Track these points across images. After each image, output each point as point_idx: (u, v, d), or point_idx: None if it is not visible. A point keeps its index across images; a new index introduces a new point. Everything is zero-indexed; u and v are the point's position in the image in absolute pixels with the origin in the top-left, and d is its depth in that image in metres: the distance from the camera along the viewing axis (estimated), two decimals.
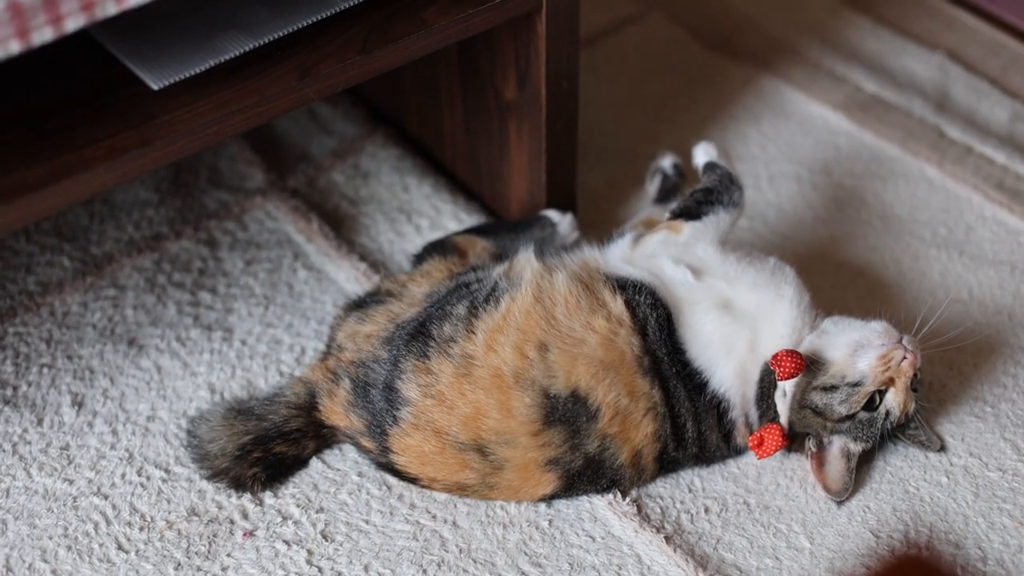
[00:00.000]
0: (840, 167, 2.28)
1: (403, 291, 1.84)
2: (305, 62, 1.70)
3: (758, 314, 1.76)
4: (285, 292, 2.03)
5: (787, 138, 2.34)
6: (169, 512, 1.75)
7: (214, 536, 1.73)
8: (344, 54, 1.72)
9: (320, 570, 1.69)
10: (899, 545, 1.72)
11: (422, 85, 2.18)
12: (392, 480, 1.78)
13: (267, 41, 1.70)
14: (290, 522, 1.74)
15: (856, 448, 1.75)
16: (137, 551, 1.71)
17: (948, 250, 2.12)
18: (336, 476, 1.79)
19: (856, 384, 1.71)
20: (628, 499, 1.76)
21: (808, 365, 1.72)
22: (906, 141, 2.31)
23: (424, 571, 1.69)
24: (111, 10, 1.50)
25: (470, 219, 2.13)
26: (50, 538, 1.72)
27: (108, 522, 1.74)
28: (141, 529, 1.73)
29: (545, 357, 1.69)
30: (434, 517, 1.75)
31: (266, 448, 1.76)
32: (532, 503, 1.76)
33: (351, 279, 2.03)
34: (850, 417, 1.72)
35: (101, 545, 1.72)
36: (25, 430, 1.84)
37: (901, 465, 1.81)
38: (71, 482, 1.78)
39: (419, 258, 1.96)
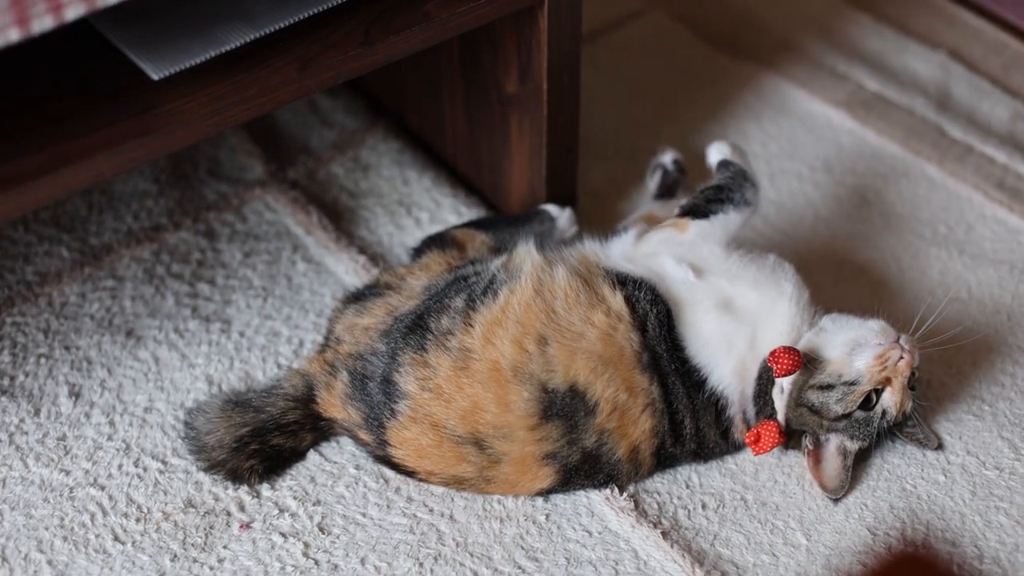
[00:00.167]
0: (841, 165, 2.27)
1: (401, 284, 1.83)
2: (306, 53, 1.70)
3: (758, 312, 1.76)
4: (284, 284, 2.02)
5: (788, 136, 2.33)
6: (166, 503, 1.75)
7: (210, 528, 1.73)
8: (346, 46, 1.72)
9: (316, 563, 1.69)
10: (896, 543, 1.72)
11: (423, 78, 2.18)
12: (389, 473, 1.78)
13: (268, 32, 1.70)
14: (287, 514, 1.74)
15: (853, 446, 1.75)
16: (133, 542, 1.71)
17: (948, 249, 2.12)
18: (333, 469, 1.79)
19: (852, 383, 1.71)
20: (625, 494, 1.75)
21: (805, 363, 1.72)
22: (907, 140, 2.31)
23: (421, 564, 1.69)
24: None
25: (470, 213, 2.13)
26: (46, 529, 1.72)
27: (105, 513, 1.74)
28: (137, 520, 1.73)
29: (544, 351, 1.68)
30: (431, 511, 1.75)
31: (263, 440, 1.76)
32: (529, 497, 1.75)
33: (350, 272, 2.03)
34: (846, 416, 1.72)
35: (97, 536, 1.71)
36: (22, 420, 1.83)
37: (898, 463, 1.81)
38: (68, 473, 1.78)
39: (418, 251, 1.96)
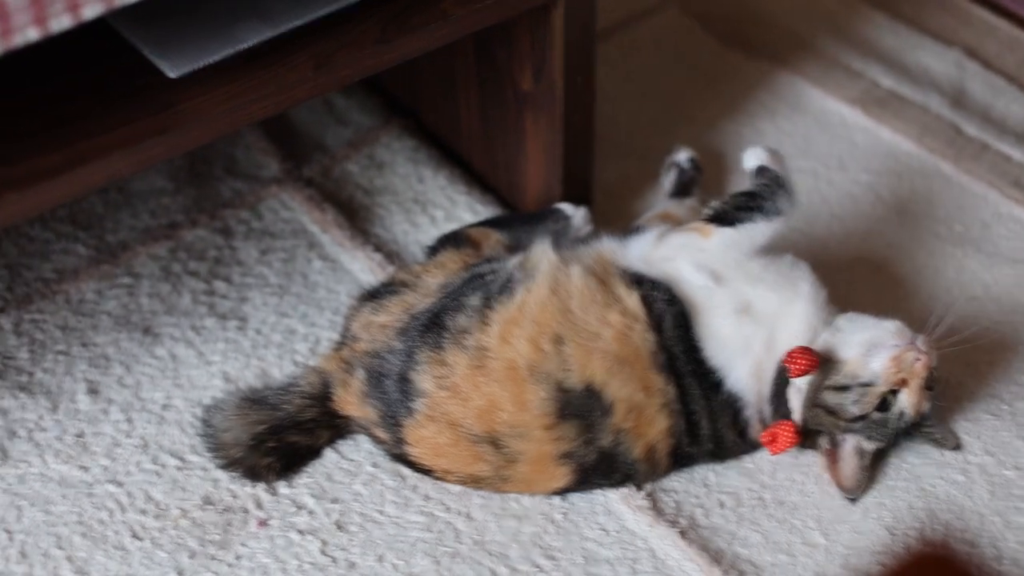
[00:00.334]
0: (856, 163, 2.27)
1: (418, 282, 1.83)
2: (323, 51, 1.70)
3: (776, 313, 1.75)
4: (300, 282, 2.03)
5: (803, 133, 2.33)
6: (183, 500, 1.75)
7: (228, 525, 1.73)
8: (362, 44, 1.72)
9: (334, 560, 1.69)
10: (914, 543, 1.71)
11: (438, 76, 2.18)
12: (406, 471, 1.78)
13: (285, 30, 1.70)
14: (304, 512, 1.74)
15: (870, 447, 1.74)
16: (151, 539, 1.71)
17: (964, 247, 2.12)
18: (350, 466, 1.79)
19: (868, 385, 1.70)
20: (643, 493, 1.75)
21: (822, 363, 1.72)
22: (922, 137, 2.31)
23: (438, 562, 1.69)
24: None
25: (485, 211, 2.13)
26: (65, 525, 1.72)
27: (123, 510, 1.74)
28: (156, 517, 1.74)
29: (560, 350, 1.68)
30: (448, 509, 1.75)
31: (280, 438, 1.76)
32: (546, 496, 1.75)
33: (366, 269, 2.03)
34: (863, 417, 1.71)
35: (116, 532, 1.72)
36: (40, 417, 1.84)
37: (917, 463, 1.80)
38: (86, 469, 1.78)
39: (433, 250, 1.96)
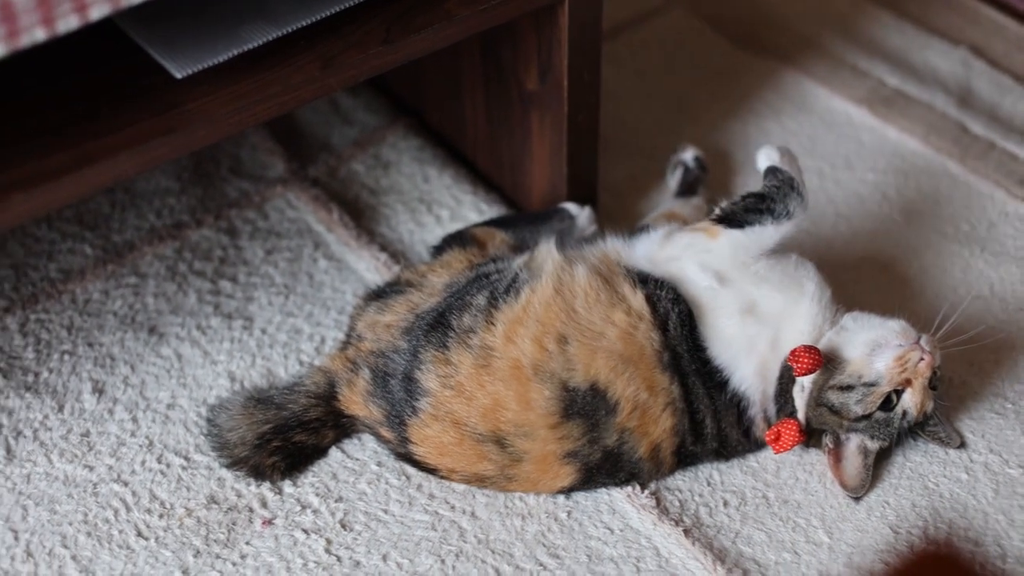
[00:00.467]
0: (862, 162, 2.27)
1: (423, 281, 1.84)
2: (328, 52, 1.70)
3: (781, 312, 1.75)
4: (305, 281, 2.03)
5: (809, 133, 2.33)
6: (188, 500, 1.76)
7: (233, 524, 1.73)
8: (367, 44, 1.72)
9: (338, 559, 1.70)
10: (918, 541, 1.71)
11: (444, 76, 2.18)
12: (411, 470, 1.78)
13: (290, 31, 1.70)
14: (309, 511, 1.75)
15: (873, 446, 1.74)
16: (156, 538, 1.72)
17: (970, 246, 2.12)
18: (355, 466, 1.80)
19: (872, 384, 1.70)
20: (647, 492, 1.76)
21: (826, 362, 1.72)
22: (928, 136, 2.30)
23: (442, 561, 1.69)
24: None
25: (490, 210, 2.13)
26: (70, 524, 1.73)
27: (128, 509, 1.75)
28: (160, 516, 1.74)
29: (564, 350, 1.69)
30: (453, 507, 1.75)
31: (286, 437, 1.76)
32: (551, 495, 1.76)
33: (371, 269, 2.03)
34: (866, 417, 1.71)
35: (121, 532, 1.72)
36: (46, 416, 1.84)
37: (921, 461, 1.80)
38: (91, 469, 1.79)
39: (438, 249, 1.96)
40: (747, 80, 2.44)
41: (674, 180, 2.17)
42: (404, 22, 1.75)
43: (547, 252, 1.79)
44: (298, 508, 1.75)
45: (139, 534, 1.72)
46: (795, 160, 1.86)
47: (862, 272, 2.07)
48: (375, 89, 2.36)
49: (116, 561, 1.69)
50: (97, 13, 1.48)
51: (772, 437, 1.72)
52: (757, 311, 1.75)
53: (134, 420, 1.84)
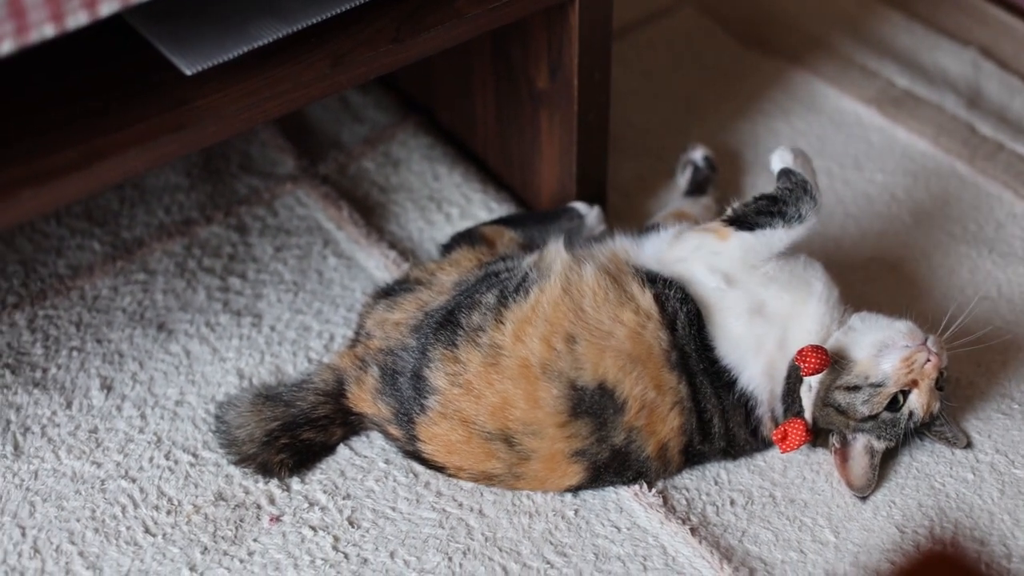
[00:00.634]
0: (871, 162, 2.27)
1: (432, 279, 1.84)
2: (338, 49, 1.71)
3: (789, 312, 1.75)
4: (314, 279, 2.03)
5: (818, 133, 2.33)
6: (196, 496, 1.76)
7: (241, 521, 1.74)
8: (377, 42, 1.72)
9: (346, 556, 1.70)
10: (924, 541, 1.71)
11: (454, 74, 2.18)
12: (419, 468, 1.78)
13: (300, 28, 1.70)
14: (317, 508, 1.75)
15: (880, 446, 1.74)
16: (164, 535, 1.72)
17: (978, 247, 2.11)
18: (363, 463, 1.80)
19: (878, 385, 1.70)
20: (654, 490, 1.76)
21: (833, 362, 1.72)
22: (937, 137, 2.30)
23: (450, 559, 1.70)
24: None
25: (500, 208, 2.13)
26: (78, 520, 1.73)
27: (136, 505, 1.75)
28: (168, 513, 1.74)
29: (573, 349, 1.69)
30: (460, 505, 1.75)
31: (294, 434, 1.77)
32: (558, 493, 1.76)
33: (380, 267, 2.04)
34: (873, 417, 1.71)
35: (128, 528, 1.73)
36: (54, 413, 1.85)
37: (927, 461, 1.80)
38: (99, 465, 1.79)
39: (447, 247, 1.96)
40: (756, 80, 2.44)
41: (684, 179, 2.17)
42: (414, 20, 1.75)
43: (556, 251, 1.79)
44: (306, 505, 1.75)
45: (147, 531, 1.72)
46: (809, 162, 1.85)
47: (870, 272, 2.07)
48: (385, 87, 2.36)
49: (123, 557, 1.69)
50: (107, 9, 1.48)
51: (779, 436, 1.73)
52: (765, 311, 1.75)
53: (142, 417, 1.85)
